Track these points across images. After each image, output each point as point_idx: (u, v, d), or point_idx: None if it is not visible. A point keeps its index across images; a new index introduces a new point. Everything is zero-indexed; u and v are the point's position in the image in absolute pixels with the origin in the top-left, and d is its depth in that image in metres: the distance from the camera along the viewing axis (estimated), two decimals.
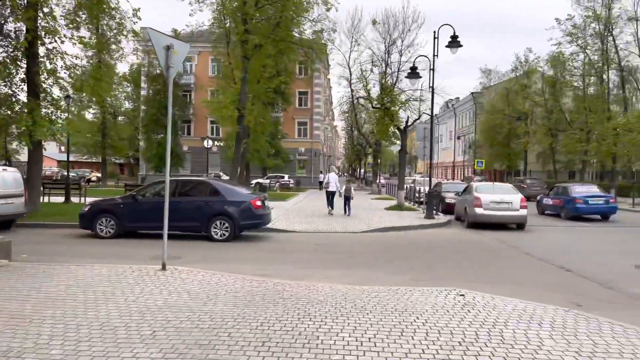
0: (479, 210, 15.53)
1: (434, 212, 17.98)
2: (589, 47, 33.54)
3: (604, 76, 34.53)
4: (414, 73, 18.38)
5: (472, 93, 65.08)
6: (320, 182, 44.77)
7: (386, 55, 29.85)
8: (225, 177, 41.59)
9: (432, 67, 17.80)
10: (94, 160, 65.24)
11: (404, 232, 14.77)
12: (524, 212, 15.48)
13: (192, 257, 10.00)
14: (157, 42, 7.94)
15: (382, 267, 9.19)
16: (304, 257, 10.14)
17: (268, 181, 43.79)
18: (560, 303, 6.55)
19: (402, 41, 29.90)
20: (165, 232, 8.15)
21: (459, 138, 66.85)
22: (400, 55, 29.47)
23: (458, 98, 73.58)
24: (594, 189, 19.64)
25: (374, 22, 23.42)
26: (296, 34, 31.99)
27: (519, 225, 15.85)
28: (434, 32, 17.71)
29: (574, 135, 34.05)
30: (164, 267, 7.87)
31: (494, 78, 57.91)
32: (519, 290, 7.33)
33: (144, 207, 12.19)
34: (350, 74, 33.32)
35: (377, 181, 39.27)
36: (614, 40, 33.16)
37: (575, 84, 35.13)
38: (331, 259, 9.92)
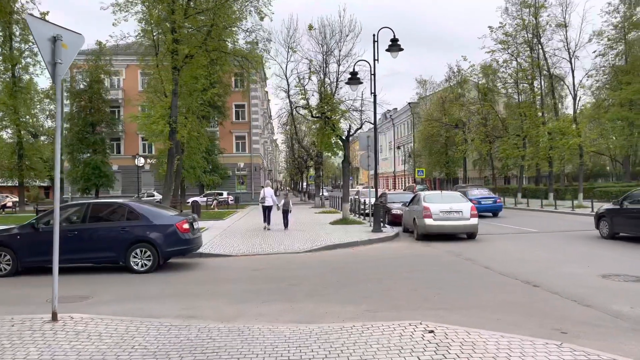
0: (428, 221, 14.63)
1: (381, 224, 16.96)
2: (520, 55, 34.27)
3: (535, 83, 35.47)
4: (354, 79, 17.41)
5: (409, 103, 65.96)
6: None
7: (324, 65, 29.04)
8: (159, 197, 39.09)
9: (372, 72, 16.92)
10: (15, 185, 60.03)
11: (352, 248, 13.58)
12: (474, 221, 14.74)
13: (104, 295, 8.28)
14: (39, 32, 6.26)
15: (332, 295, 7.87)
16: (240, 288, 8.65)
17: (205, 199, 41.66)
18: (543, 331, 5.52)
19: (340, 51, 29.23)
20: (56, 268, 6.41)
21: (398, 148, 67.41)
22: (339, 65, 28.75)
23: (396, 109, 74.51)
24: (485, 192, 25.14)
25: (310, 27, 22.40)
26: (230, 44, 30.58)
27: (470, 235, 15.11)
28: (374, 35, 16.88)
29: (509, 140, 34.57)
30: (54, 317, 6.12)
31: (430, 88, 59.06)
32: (492, 318, 6.24)
33: (47, 237, 10.22)
34: (288, 85, 32.14)
35: (320, 194, 38.15)
36: (542, 47, 34.11)
37: (510, 89, 35.82)
38: (271, 289, 8.49)
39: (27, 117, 47.18)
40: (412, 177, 62.94)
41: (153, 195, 46.61)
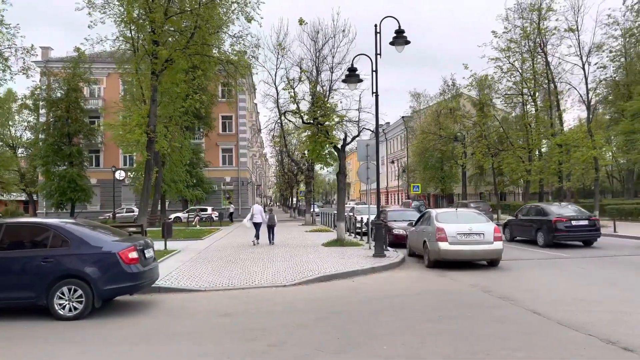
0: (443, 245, 12.04)
1: (384, 247, 14.36)
2: (525, 62, 32.24)
3: (537, 93, 33.46)
4: (353, 75, 14.89)
5: (402, 117, 63.96)
6: (231, 214, 40.59)
7: (316, 73, 26.69)
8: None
9: (374, 69, 14.43)
10: (4, 199, 56.66)
11: (352, 280, 10.91)
12: (499, 245, 12.17)
13: None
14: None
15: None
16: (195, 351, 5.97)
17: (186, 215, 38.78)
18: None
19: (333, 57, 26.98)
20: None
21: (392, 162, 65.10)
22: (332, 73, 26.45)
23: (388, 123, 72.47)
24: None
25: (301, 22, 19.94)
26: (215, 50, 28.27)
27: (492, 261, 12.55)
28: (375, 25, 14.44)
29: (514, 154, 32.28)
30: None
31: (424, 101, 57.19)
32: None
33: None
34: (277, 93, 29.78)
35: (311, 211, 35.45)
36: (545, 55, 32.17)
37: (513, 100, 33.65)
38: (241, 354, 5.81)
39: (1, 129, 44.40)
40: (406, 192, 60.64)
41: (133, 211, 43.69)
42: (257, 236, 18.86)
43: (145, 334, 6.83)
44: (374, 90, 14.37)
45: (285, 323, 7.13)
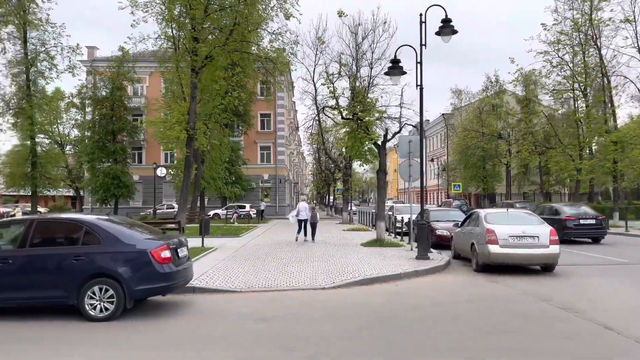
0: (493, 248, 11.20)
1: (428, 250, 13.59)
2: (576, 55, 30.50)
3: (588, 88, 31.63)
4: (396, 67, 14.16)
5: (442, 114, 62.38)
6: (262, 211, 39.43)
7: (355, 69, 26.03)
8: None
9: (419, 60, 13.66)
10: (52, 194, 58.73)
11: (396, 284, 10.24)
12: (555, 249, 11.22)
13: None
14: None
15: None
16: (229, 358, 5.50)
17: (225, 212, 38.90)
18: None
19: (372, 53, 26.26)
20: None
21: (432, 160, 63.55)
22: (371, 69, 25.75)
23: (428, 120, 70.88)
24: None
25: (340, 14, 19.34)
26: (254, 47, 28.14)
27: (547, 267, 11.61)
28: (420, 15, 13.67)
29: (564, 151, 30.58)
30: None
31: (465, 99, 55.52)
32: None
33: None
34: (315, 90, 29.30)
35: (349, 209, 34.82)
36: (598, 49, 30.35)
37: (563, 95, 31.85)
38: None
39: (45, 123, 45.79)
40: (446, 191, 59.06)
41: (173, 207, 44.31)
42: (300, 232, 19.06)
43: (176, 338, 6.41)
44: (419, 83, 13.60)
45: (326, 332, 6.57)
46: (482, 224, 11.86)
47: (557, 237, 11.40)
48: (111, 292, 7.24)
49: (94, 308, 7.23)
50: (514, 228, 11.41)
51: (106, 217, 8.10)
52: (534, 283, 10.18)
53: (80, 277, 7.22)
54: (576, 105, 31.54)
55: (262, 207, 41.05)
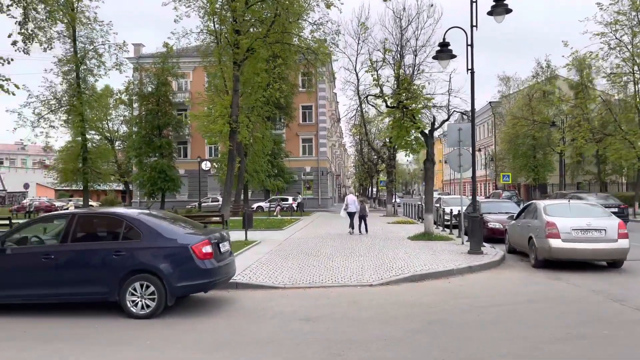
0: (555, 243, 10.35)
1: (481, 243, 12.82)
2: (636, 36, 28.42)
3: None
4: (445, 51, 13.37)
5: (489, 102, 60.20)
6: (299, 204, 37.71)
7: (399, 57, 25.24)
8: None
9: (469, 43, 12.83)
10: (103, 189, 60.79)
11: (448, 281, 9.62)
12: (624, 243, 10.26)
13: None
14: None
15: None
16: None
17: (268, 204, 38.95)
18: None
19: (417, 40, 25.37)
20: None
21: (479, 150, 61.47)
22: (415, 56, 24.90)
23: (469, 112, 68.72)
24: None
25: None
26: (295, 38, 27.84)
27: (615, 262, 10.67)
28: None
29: (624, 139, 28.63)
30: None
31: (514, 86, 53.30)
32: None
33: (14, 262, 7.28)
34: (358, 80, 28.70)
35: (393, 201, 34.04)
36: None
37: (625, 78, 29.77)
38: None
39: (95, 120, 47.22)
40: (494, 182, 57.03)
41: (217, 200, 44.80)
42: (351, 225, 19.13)
43: (217, 339, 6.09)
44: (469, 67, 12.79)
45: (375, 334, 6.08)
46: (542, 216, 11.01)
47: (626, 230, 10.43)
48: (152, 288, 7.02)
49: (136, 305, 7.03)
50: (577, 221, 10.51)
51: (147, 212, 7.91)
52: (602, 281, 9.31)
53: (122, 273, 7.03)
54: (637, 89, 29.44)
55: (299, 200, 39.91)
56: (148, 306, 7.04)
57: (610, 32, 29.40)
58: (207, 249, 7.20)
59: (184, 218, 9.08)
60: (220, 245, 7.68)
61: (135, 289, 7.04)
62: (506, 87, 54.40)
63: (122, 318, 7.02)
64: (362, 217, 18.99)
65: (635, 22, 29.15)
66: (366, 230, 18.78)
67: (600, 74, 32.81)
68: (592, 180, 47.03)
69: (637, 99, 28.64)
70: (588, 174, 47.08)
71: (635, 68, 29.47)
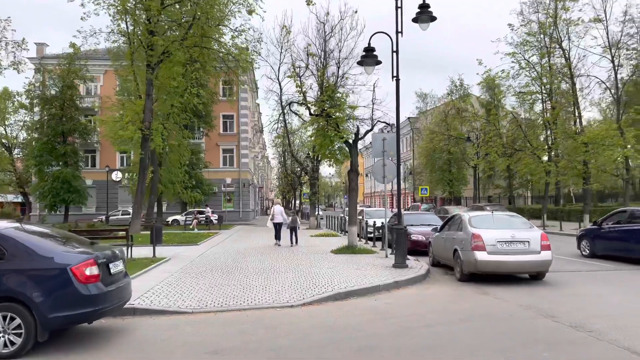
0: (481, 256, 10.03)
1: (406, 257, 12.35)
2: (543, 57, 30.27)
3: (555, 90, 31.47)
4: (370, 56, 12.89)
5: (408, 118, 62.13)
6: (207, 217, 35.76)
7: (322, 64, 24.86)
8: None
9: (395, 49, 12.45)
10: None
11: (375, 299, 8.90)
12: (547, 255, 10.17)
13: None
14: None
15: None
16: None
17: (184, 218, 36.83)
18: None
19: (340, 51, 25.18)
20: None
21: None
22: (338, 68, 24.67)
23: (393, 124, 70.59)
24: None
25: (309, 2, 18.02)
26: (215, 45, 26.65)
27: (537, 274, 10.56)
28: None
29: (533, 154, 30.23)
30: None
31: (430, 102, 55.53)
32: None
33: None
34: (281, 89, 28.01)
35: (316, 214, 33.47)
36: (563, 51, 30.23)
37: (533, 97, 31.55)
38: None
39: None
40: (412, 195, 58.58)
41: (129, 213, 41.72)
42: (277, 237, 18.81)
43: None
44: (395, 74, 12.40)
45: None
46: (467, 228, 10.71)
47: (548, 242, 10.36)
48: (18, 321, 5.59)
49: None
50: (502, 232, 10.30)
51: (15, 225, 6.42)
52: (529, 295, 9.05)
53: None
54: (544, 107, 31.32)
55: (208, 213, 37.09)
56: (13, 343, 5.60)
57: (520, 53, 31.15)
58: (92, 270, 5.89)
59: (69, 233, 7.62)
60: (111, 265, 6.38)
61: None
62: (423, 103, 56.49)
63: None
64: (293, 229, 18.70)
65: (542, 44, 31.09)
66: (296, 242, 18.45)
67: (510, 92, 34.71)
68: (502, 194, 49.81)
69: (545, 116, 30.38)
70: (498, 188, 49.84)
71: (543, 88, 31.37)
